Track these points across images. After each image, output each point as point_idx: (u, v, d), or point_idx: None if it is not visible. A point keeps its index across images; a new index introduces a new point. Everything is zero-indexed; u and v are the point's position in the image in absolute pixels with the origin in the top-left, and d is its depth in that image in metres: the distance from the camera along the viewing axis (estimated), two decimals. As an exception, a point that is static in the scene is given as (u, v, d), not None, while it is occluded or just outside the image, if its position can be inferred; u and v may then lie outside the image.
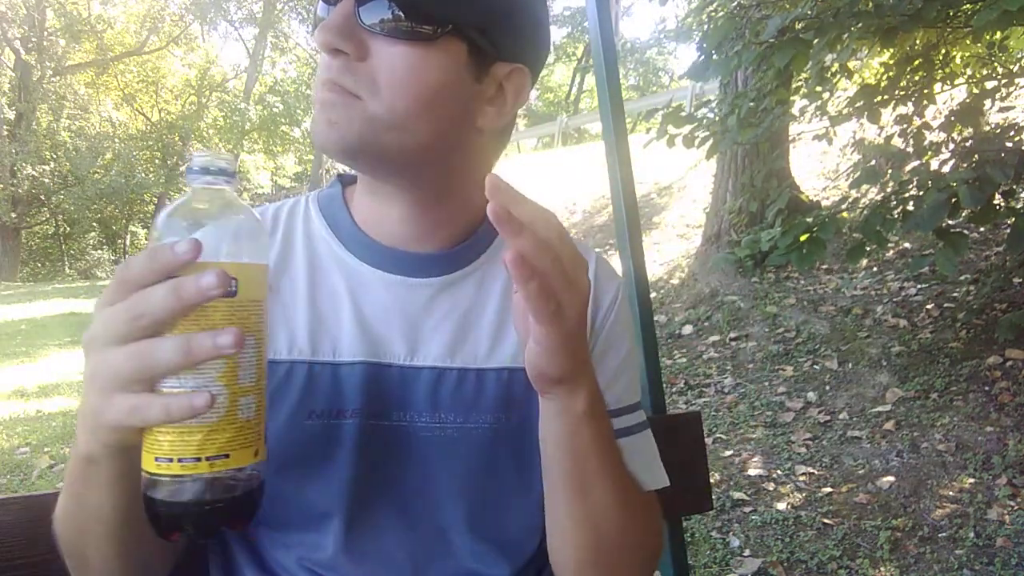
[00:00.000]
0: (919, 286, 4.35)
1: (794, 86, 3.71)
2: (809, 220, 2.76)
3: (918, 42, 3.57)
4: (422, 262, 0.72)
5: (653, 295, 5.19)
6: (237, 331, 0.44)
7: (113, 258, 26.34)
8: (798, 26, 2.66)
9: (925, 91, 3.60)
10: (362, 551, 0.68)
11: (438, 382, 0.70)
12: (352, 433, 0.67)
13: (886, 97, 3.50)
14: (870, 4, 2.66)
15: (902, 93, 3.60)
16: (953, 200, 2.45)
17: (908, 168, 3.03)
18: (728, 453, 3.33)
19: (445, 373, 0.70)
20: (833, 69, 3.33)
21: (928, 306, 4.11)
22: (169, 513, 0.47)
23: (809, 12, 2.69)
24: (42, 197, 20.86)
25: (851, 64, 3.56)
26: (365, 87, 0.63)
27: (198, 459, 0.46)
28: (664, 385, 2.01)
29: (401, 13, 0.62)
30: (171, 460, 0.45)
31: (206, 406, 0.44)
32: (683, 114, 3.16)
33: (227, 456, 0.47)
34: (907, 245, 4.84)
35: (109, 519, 0.56)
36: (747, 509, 2.84)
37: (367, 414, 0.68)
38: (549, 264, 0.51)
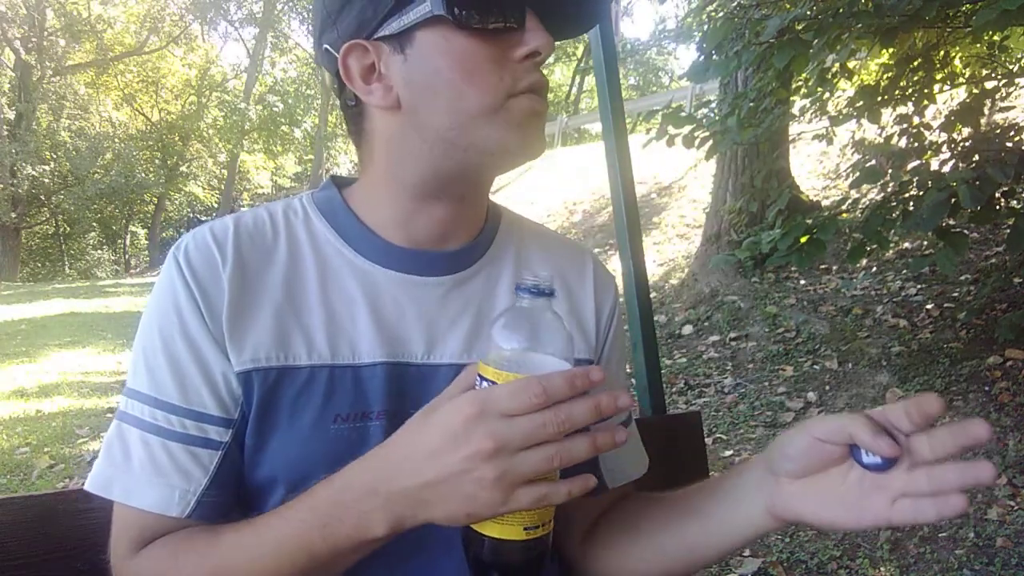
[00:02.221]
0: (919, 286, 4.35)
1: (794, 86, 3.71)
2: (809, 221, 2.76)
3: (918, 42, 3.57)
4: (434, 261, 0.72)
5: (653, 295, 5.19)
6: (624, 430, 0.56)
7: (113, 258, 26.37)
8: (798, 26, 2.66)
9: (925, 91, 3.60)
10: (388, 552, 0.68)
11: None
12: (379, 435, 0.67)
13: (886, 97, 3.49)
14: (870, 4, 2.66)
15: (902, 93, 3.59)
16: (953, 200, 2.45)
17: (908, 168, 3.02)
18: (728, 453, 3.33)
19: (464, 369, 0.71)
20: (833, 69, 3.33)
21: (928, 306, 4.11)
22: (516, 569, 0.58)
23: (809, 12, 2.69)
24: (42, 197, 20.88)
25: (851, 64, 3.56)
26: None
27: (550, 520, 0.58)
28: (664, 385, 2.02)
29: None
30: (538, 527, 0.56)
31: (595, 483, 0.55)
32: (683, 114, 3.16)
33: (552, 519, 0.59)
34: (907, 245, 4.84)
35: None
36: (747, 509, 2.84)
37: (391, 415, 0.68)
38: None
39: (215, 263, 0.67)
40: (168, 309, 0.66)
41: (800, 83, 3.69)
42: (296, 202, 0.76)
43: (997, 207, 2.71)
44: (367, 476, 0.57)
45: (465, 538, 0.58)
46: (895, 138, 3.69)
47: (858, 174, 2.98)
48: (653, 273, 6.08)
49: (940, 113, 3.77)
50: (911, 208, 2.66)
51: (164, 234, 26.28)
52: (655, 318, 4.69)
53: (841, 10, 2.56)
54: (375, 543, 0.58)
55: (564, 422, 0.51)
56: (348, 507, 0.57)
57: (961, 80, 3.87)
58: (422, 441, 0.55)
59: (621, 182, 1.25)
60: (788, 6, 3.10)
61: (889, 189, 2.96)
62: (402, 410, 0.69)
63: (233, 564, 0.61)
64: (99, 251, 25.95)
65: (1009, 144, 2.94)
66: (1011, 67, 3.94)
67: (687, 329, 4.93)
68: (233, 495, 0.68)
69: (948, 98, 4.05)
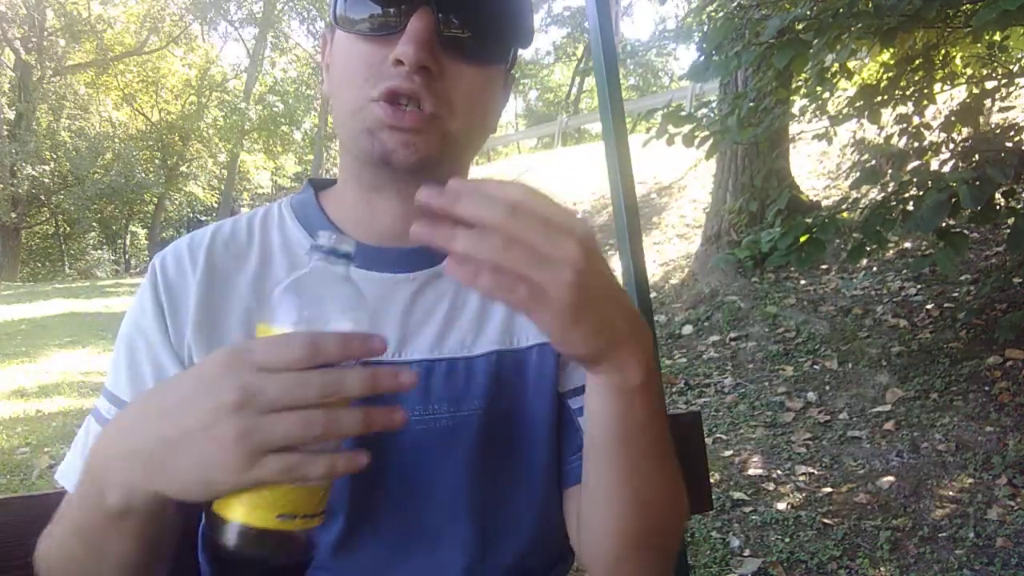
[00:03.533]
0: (919, 286, 4.35)
1: (794, 86, 3.71)
2: (809, 221, 2.76)
3: (918, 42, 3.57)
4: (406, 257, 0.73)
5: (653, 295, 5.20)
6: (403, 411, 0.48)
7: (113, 258, 26.37)
8: (798, 26, 2.66)
9: (925, 91, 3.60)
10: (358, 549, 0.68)
11: (428, 374, 0.70)
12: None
13: (886, 97, 3.50)
14: (870, 4, 2.66)
15: (902, 93, 3.60)
16: (953, 200, 2.45)
17: (908, 168, 3.02)
18: (728, 453, 3.33)
19: (435, 364, 0.71)
20: (833, 69, 3.33)
21: (928, 306, 4.11)
22: (262, 564, 0.48)
23: (809, 12, 2.69)
24: (42, 197, 20.88)
25: (851, 64, 3.56)
26: (443, 105, 0.64)
27: (315, 515, 0.49)
28: (664, 385, 2.02)
29: (475, 35, 0.64)
30: (295, 517, 0.47)
31: (366, 461, 0.46)
32: (683, 114, 3.16)
33: (323, 513, 0.51)
34: (907, 245, 4.84)
35: (133, 564, 0.56)
36: (747, 509, 2.84)
37: None
38: (498, 250, 0.46)
39: (186, 270, 0.70)
40: (136, 312, 0.70)
41: (800, 83, 3.69)
42: (275, 207, 0.78)
43: (997, 207, 2.71)
44: (109, 438, 0.51)
45: (207, 524, 0.49)
46: (895, 138, 3.69)
47: (858, 175, 2.99)
48: (653, 273, 6.08)
49: (940, 113, 3.77)
50: (911, 208, 2.66)
51: (164, 234, 26.28)
52: (655, 318, 4.70)
53: (841, 10, 2.56)
54: (118, 516, 0.51)
55: (329, 385, 0.45)
56: (91, 472, 0.51)
57: (961, 80, 3.87)
58: (170, 394, 0.48)
59: (621, 182, 1.25)
60: (788, 6, 3.10)
61: (889, 189, 2.96)
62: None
63: (56, 537, 0.60)
64: (99, 251, 25.95)
65: (1009, 144, 2.94)
66: (1011, 67, 3.93)
67: (687, 329, 4.93)
68: None
69: (948, 98, 4.05)
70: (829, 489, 2.89)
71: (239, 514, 0.47)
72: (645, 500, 0.64)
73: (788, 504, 2.83)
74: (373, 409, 0.46)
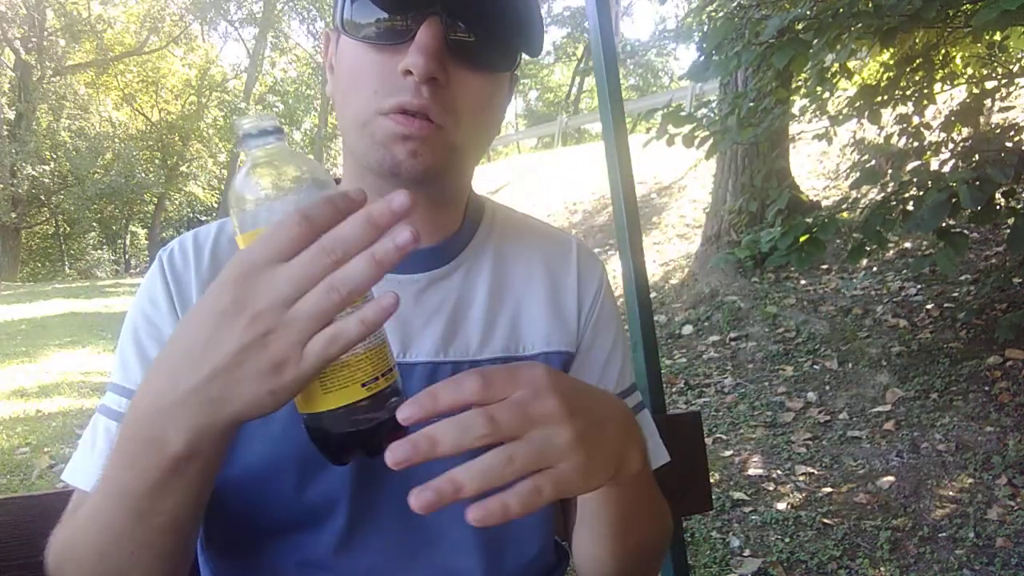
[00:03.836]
0: (919, 286, 4.35)
1: (794, 86, 3.71)
2: (809, 220, 2.76)
3: (918, 42, 3.57)
4: (410, 258, 0.72)
5: (653, 295, 5.19)
6: (411, 230, 0.45)
7: (113, 258, 26.37)
8: (798, 26, 2.66)
9: (925, 91, 3.60)
10: (360, 549, 0.68)
11: (432, 377, 0.70)
12: None
13: (886, 97, 3.50)
14: (870, 4, 2.66)
15: (902, 93, 3.60)
16: (953, 200, 2.45)
17: (908, 168, 3.02)
18: (728, 453, 3.33)
19: (439, 367, 0.71)
20: (833, 69, 3.33)
21: (928, 306, 4.11)
22: (373, 433, 0.50)
23: (809, 12, 2.69)
24: (42, 197, 20.88)
25: (851, 64, 3.56)
26: (448, 114, 0.63)
27: (390, 369, 0.51)
28: (664, 385, 2.02)
29: (483, 43, 0.64)
30: (376, 379, 0.49)
31: (395, 302, 0.45)
32: (683, 114, 3.16)
33: (396, 366, 0.52)
34: (907, 245, 4.84)
35: (182, 525, 0.55)
36: (747, 509, 2.84)
37: None
38: (501, 468, 0.47)
39: (191, 265, 0.70)
40: (144, 302, 0.70)
41: (800, 83, 3.69)
42: None
43: (997, 207, 2.71)
44: (150, 394, 0.50)
45: (308, 429, 0.51)
46: (895, 138, 3.69)
47: (858, 175, 2.99)
48: (653, 273, 6.08)
49: (940, 113, 3.77)
50: (911, 208, 2.66)
51: (164, 234, 26.27)
52: (655, 318, 4.70)
53: (841, 10, 2.56)
54: (187, 466, 0.50)
55: (335, 248, 0.44)
56: (140, 436, 0.50)
57: (961, 80, 3.87)
58: (195, 332, 0.48)
59: (621, 182, 1.25)
60: (788, 6, 3.10)
61: (889, 189, 2.96)
62: None
63: (78, 525, 0.58)
64: (99, 251, 25.96)
65: (1009, 144, 2.94)
66: (1011, 67, 3.93)
67: (687, 329, 4.93)
68: None
69: (948, 98, 4.06)
70: (829, 489, 2.89)
71: (332, 401, 0.49)
72: (633, 551, 0.68)
73: (788, 504, 2.83)
74: (376, 246, 0.45)
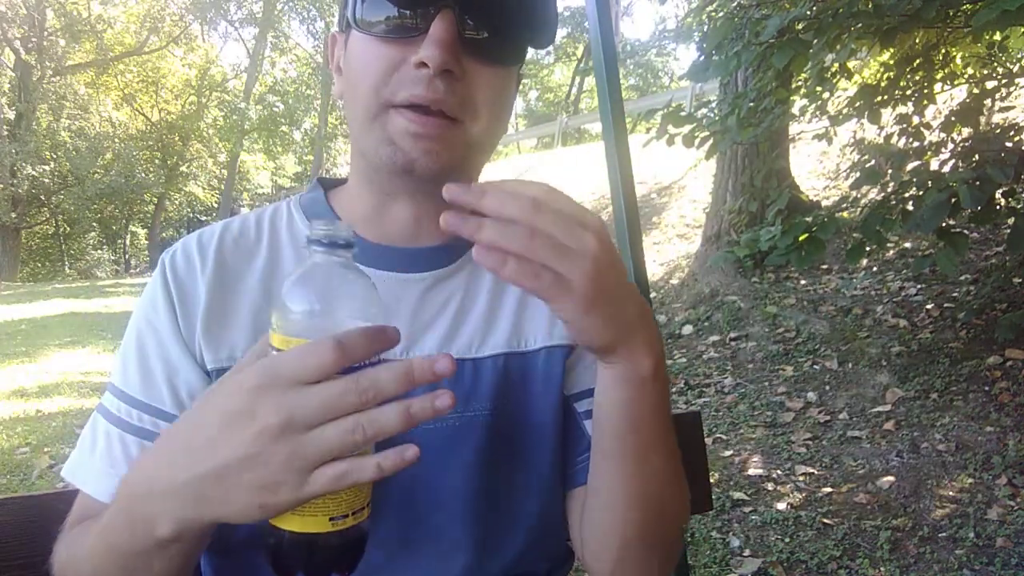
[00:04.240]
0: (919, 286, 4.35)
1: (794, 86, 3.71)
2: (808, 220, 2.76)
3: (918, 42, 3.57)
4: (415, 257, 0.73)
5: (653, 295, 5.20)
6: (451, 393, 0.46)
7: (113, 258, 26.37)
8: (798, 26, 2.66)
9: (925, 91, 3.60)
10: (389, 542, 0.68)
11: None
12: None
13: (886, 97, 3.50)
14: (870, 4, 2.66)
15: (902, 93, 3.60)
16: (953, 200, 2.45)
17: (908, 168, 3.02)
18: (728, 453, 3.33)
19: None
20: (833, 69, 3.33)
21: (928, 306, 4.11)
22: (324, 565, 0.49)
23: (809, 12, 2.69)
24: (42, 197, 20.88)
25: (851, 64, 3.56)
26: (466, 109, 0.63)
27: (363, 508, 0.50)
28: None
29: (495, 36, 0.64)
30: (347, 516, 0.48)
31: (416, 457, 0.45)
32: (683, 114, 3.16)
33: (370, 504, 0.51)
34: (907, 245, 4.84)
35: None
36: (747, 509, 2.84)
37: None
38: (523, 240, 0.49)
39: (195, 267, 0.70)
40: (147, 309, 0.70)
41: (800, 83, 3.69)
42: (283, 205, 0.78)
43: (997, 207, 2.71)
44: (147, 471, 0.51)
45: (263, 534, 0.50)
46: (895, 138, 3.69)
47: (858, 175, 2.99)
48: (653, 273, 6.08)
49: (940, 113, 3.77)
50: (911, 208, 2.66)
51: (164, 234, 26.30)
52: (655, 318, 4.68)
53: (841, 10, 2.56)
54: (170, 546, 0.51)
55: (367, 390, 0.44)
56: (133, 507, 0.52)
57: (961, 80, 3.87)
58: (200, 426, 0.47)
59: (621, 182, 1.25)
60: (788, 6, 3.09)
61: (889, 189, 2.96)
62: None
63: (84, 551, 0.59)
64: (99, 251, 25.95)
65: (1009, 144, 2.94)
66: (1011, 67, 3.93)
67: (687, 329, 4.93)
68: None
69: (948, 98, 4.06)
70: (829, 489, 2.89)
71: (294, 524, 0.47)
72: (650, 495, 0.65)
73: (788, 504, 2.83)
74: (414, 400, 0.45)
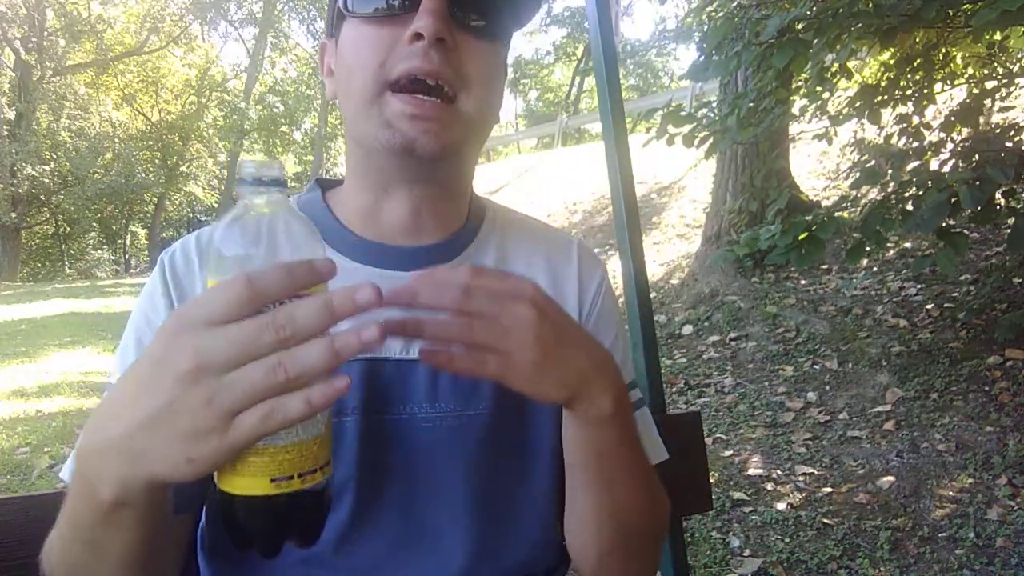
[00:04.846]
0: (919, 286, 4.35)
1: (794, 86, 3.71)
2: (808, 219, 2.76)
3: (918, 42, 3.57)
4: (414, 255, 0.73)
5: (653, 295, 5.19)
6: (379, 327, 0.43)
7: (113, 258, 26.36)
8: (798, 26, 2.66)
9: (925, 91, 3.60)
10: (359, 545, 0.68)
11: (435, 373, 0.70)
12: (353, 430, 0.68)
13: (886, 97, 3.49)
14: (870, 4, 2.66)
15: (902, 93, 3.59)
16: (953, 200, 2.45)
17: (908, 168, 3.02)
18: (728, 453, 3.33)
19: None
20: (833, 69, 3.33)
21: (928, 306, 4.11)
22: (273, 530, 0.47)
23: (809, 12, 2.69)
24: (42, 197, 20.88)
25: (851, 64, 3.56)
26: (460, 80, 0.64)
27: (315, 470, 0.46)
28: (664, 385, 2.02)
29: (484, 12, 0.66)
30: (291, 477, 0.45)
31: (347, 386, 0.42)
32: (683, 114, 3.16)
33: (327, 465, 0.48)
34: (907, 245, 4.84)
35: (137, 556, 0.54)
36: (747, 509, 2.84)
37: (367, 411, 0.68)
38: (462, 331, 0.52)
39: (193, 266, 0.71)
40: (146, 307, 0.71)
41: (800, 83, 3.69)
42: None
43: (997, 207, 2.71)
44: (89, 431, 0.49)
45: (217, 502, 0.47)
46: (895, 138, 3.69)
47: (858, 175, 2.98)
48: (653, 273, 6.08)
49: (940, 113, 3.77)
50: (911, 208, 2.66)
51: (164, 234, 26.29)
52: (655, 318, 4.70)
53: (841, 10, 2.56)
54: (113, 509, 0.48)
55: (284, 326, 0.41)
56: (81, 469, 0.50)
57: (961, 80, 3.87)
58: (133, 377, 0.45)
59: (621, 182, 1.24)
60: (788, 6, 3.09)
61: (889, 189, 2.96)
62: (380, 406, 0.69)
63: (55, 534, 0.58)
64: (99, 251, 25.95)
65: (1009, 144, 2.94)
66: (1011, 67, 3.93)
67: (687, 329, 4.93)
68: (181, 488, 0.68)
69: (948, 98, 4.05)
70: (829, 489, 2.89)
71: (238, 486, 0.45)
72: (621, 515, 0.68)
73: (788, 504, 2.83)
74: (337, 338, 0.42)
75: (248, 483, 0.44)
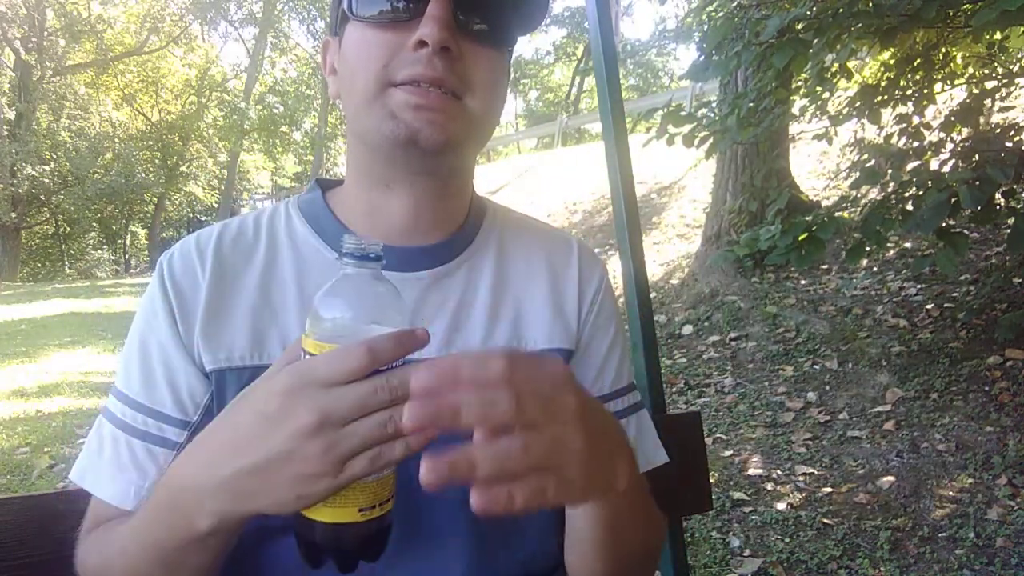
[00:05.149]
0: (919, 286, 4.35)
1: (794, 86, 3.71)
2: (808, 219, 2.76)
3: (918, 42, 3.57)
4: (414, 256, 0.72)
5: (653, 295, 5.19)
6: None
7: (113, 258, 26.36)
8: (798, 26, 2.66)
9: (925, 91, 3.60)
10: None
11: None
12: None
13: (886, 97, 3.49)
14: (870, 4, 2.66)
15: (902, 93, 3.59)
16: (953, 200, 2.45)
17: (908, 168, 3.02)
18: (728, 453, 3.33)
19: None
20: (833, 69, 3.33)
21: (928, 306, 4.11)
22: (357, 551, 0.54)
23: (809, 12, 2.69)
24: (42, 197, 20.88)
25: (851, 64, 3.56)
26: (464, 86, 0.65)
27: (389, 499, 0.54)
28: (664, 385, 2.02)
29: (488, 19, 0.66)
30: (374, 507, 0.53)
31: (436, 434, 0.49)
32: (683, 113, 3.16)
33: (394, 496, 0.55)
34: (907, 245, 4.84)
35: (209, 571, 0.59)
36: (747, 509, 2.84)
37: None
38: (518, 457, 0.43)
39: (194, 269, 0.71)
40: (147, 312, 0.70)
41: (800, 83, 3.69)
42: (282, 206, 0.78)
43: (997, 207, 2.71)
44: (187, 469, 0.55)
45: (296, 526, 0.54)
46: (895, 138, 3.69)
47: (858, 175, 2.98)
48: (653, 273, 6.08)
49: (940, 113, 3.77)
50: (911, 208, 2.66)
51: (164, 234, 26.30)
52: (655, 318, 4.70)
53: (841, 10, 2.56)
54: (209, 539, 0.55)
55: (397, 387, 0.48)
56: (174, 503, 0.55)
57: (961, 80, 3.87)
58: (239, 426, 0.51)
59: (621, 182, 1.24)
60: (788, 6, 3.09)
61: (889, 189, 2.96)
62: None
63: (115, 550, 0.62)
64: (99, 251, 25.94)
65: (1009, 144, 2.94)
66: (1011, 67, 3.93)
67: (687, 329, 4.93)
68: None
69: (948, 98, 4.05)
70: (829, 489, 2.89)
71: (326, 515, 0.51)
72: (621, 551, 0.69)
73: (788, 504, 2.83)
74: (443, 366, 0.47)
75: (338, 513, 0.52)
